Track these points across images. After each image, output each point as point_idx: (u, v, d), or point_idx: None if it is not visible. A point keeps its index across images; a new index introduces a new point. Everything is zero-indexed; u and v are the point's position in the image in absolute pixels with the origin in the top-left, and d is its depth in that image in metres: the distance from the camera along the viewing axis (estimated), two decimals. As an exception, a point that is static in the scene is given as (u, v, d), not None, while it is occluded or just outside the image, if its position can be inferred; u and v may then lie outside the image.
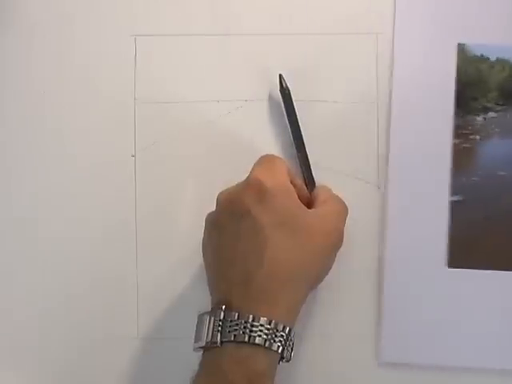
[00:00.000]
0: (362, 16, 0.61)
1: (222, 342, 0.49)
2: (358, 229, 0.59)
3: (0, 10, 0.61)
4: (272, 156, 0.56)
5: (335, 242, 0.55)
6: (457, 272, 0.59)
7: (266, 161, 0.55)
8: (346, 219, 0.56)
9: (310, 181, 0.59)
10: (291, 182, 0.54)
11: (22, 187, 0.61)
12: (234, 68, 0.61)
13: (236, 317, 0.49)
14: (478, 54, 0.60)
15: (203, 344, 0.50)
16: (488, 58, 0.60)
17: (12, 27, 0.62)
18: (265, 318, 0.49)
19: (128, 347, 0.59)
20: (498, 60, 0.60)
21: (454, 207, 0.59)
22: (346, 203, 0.57)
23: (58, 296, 0.59)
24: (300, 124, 0.59)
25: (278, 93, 0.59)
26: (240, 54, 0.61)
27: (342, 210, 0.56)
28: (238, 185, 0.53)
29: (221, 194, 0.54)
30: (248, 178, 0.53)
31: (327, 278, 0.57)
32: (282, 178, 0.53)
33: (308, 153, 0.59)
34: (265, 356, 0.49)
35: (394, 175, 0.59)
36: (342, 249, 0.56)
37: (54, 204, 0.60)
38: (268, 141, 0.60)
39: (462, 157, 0.59)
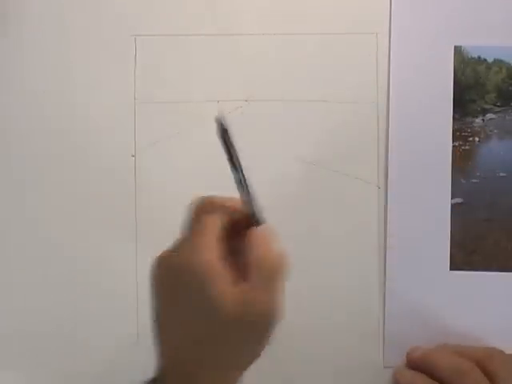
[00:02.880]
0: (362, 16, 0.61)
1: None
2: (358, 229, 0.59)
3: (0, 10, 0.61)
4: (203, 213, 0.48)
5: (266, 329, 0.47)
6: (458, 274, 0.59)
7: (193, 223, 0.48)
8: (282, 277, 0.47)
9: (254, 219, 0.50)
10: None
11: (22, 187, 0.61)
12: (234, 68, 0.61)
13: None
14: (475, 55, 0.60)
15: None
16: (485, 60, 0.60)
17: (12, 27, 0.62)
18: None
19: (128, 347, 0.59)
20: (495, 61, 0.60)
21: (455, 209, 0.59)
22: (346, 203, 0.57)
23: (58, 295, 0.59)
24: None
25: (278, 93, 0.59)
26: (240, 54, 0.61)
27: (279, 270, 0.47)
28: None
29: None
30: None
31: (329, 278, 0.56)
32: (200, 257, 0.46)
33: (307, 153, 0.59)
34: None
35: (394, 175, 0.59)
36: (342, 249, 0.56)
37: (54, 204, 0.60)
38: (268, 141, 0.60)
39: (462, 159, 0.60)
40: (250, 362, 0.48)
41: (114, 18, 0.61)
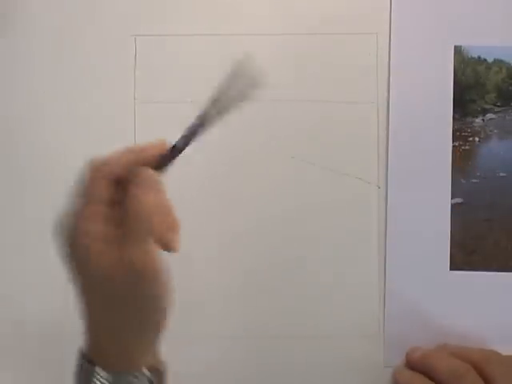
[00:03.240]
0: (362, 16, 0.61)
1: None
2: (357, 229, 0.59)
3: (0, 10, 0.61)
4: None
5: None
6: (458, 274, 0.59)
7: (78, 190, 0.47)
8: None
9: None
10: None
11: (22, 187, 0.61)
12: (234, 68, 0.61)
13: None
14: (475, 55, 0.60)
15: None
16: (485, 60, 0.60)
17: (12, 27, 0.61)
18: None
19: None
20: (495, 61, 0.60)
21: (455, 209, 0.59)
22: (346, 203, 0.57)
23: (58, 294, 0.59)
24: None
25: (278, 93, 0.59)
26: (240, 54, 0.61)
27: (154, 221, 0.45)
28: None
29: None
30: None
31: (329, 278, 0.56)
32: None
33: (306, 153, 0.59)
34: None
35: (394, 175, 0.59)
36: (342, 249, 0.56)
37: (54, 206, 0.60)
38: (267, 141, 0.60)
39: (462, 159, 0.60)
40: (155, 323, 0.48)
41: (114, 18, 0.61)
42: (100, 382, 0.47)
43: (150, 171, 0.46)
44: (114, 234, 0.45)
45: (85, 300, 0.48)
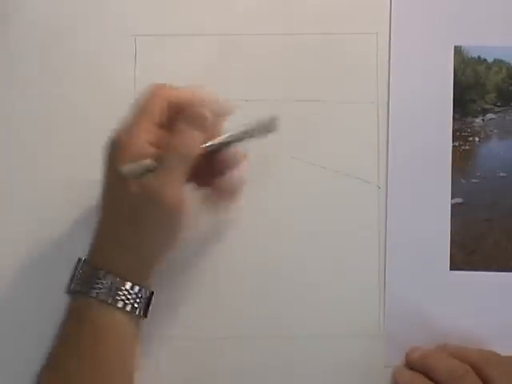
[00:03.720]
0: (362, 16, 0.61)
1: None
2: (358, 229, 0.59)
3: (0, 9, 0.61)
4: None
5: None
6: (458, 274, 0.59)
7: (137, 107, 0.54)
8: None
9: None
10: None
11: (22, 187, 0.61)
12: (234, 68, 0.61)
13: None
14: (475, 55, 0.60)
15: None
16: (485, 60, 0.60)
17: (12, 27, 0.62)
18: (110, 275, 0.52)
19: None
20: (495, 61, 0.60)
21: (455, 209, 0.59)
22: (346, 203, 0.57)
23: (59, 293, 0.59)
24: None
25: (278, 93, 0.59)
26: (240, 54, 0.61)
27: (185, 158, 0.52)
28: None
29: None
30: None
31: (328, 278, 0.56)
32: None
33: (306, 153, 0.59)
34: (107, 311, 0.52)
35: (394, 175, 0.59)
36: (342, 249, 0.56)
37: (54, 204, 0.60)
38: (267, 140, 0.60)
39: (462, 159, 0.60)
40: (162, 251, 0.54)
41: (114, 17, 0.61)
42: (103, 285, 0.52)
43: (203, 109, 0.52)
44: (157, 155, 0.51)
45: (110, 211, 0.53)
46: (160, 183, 0.50)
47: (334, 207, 0.60)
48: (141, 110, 0.52)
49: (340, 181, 0.59)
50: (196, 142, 0.52)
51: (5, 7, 0.61)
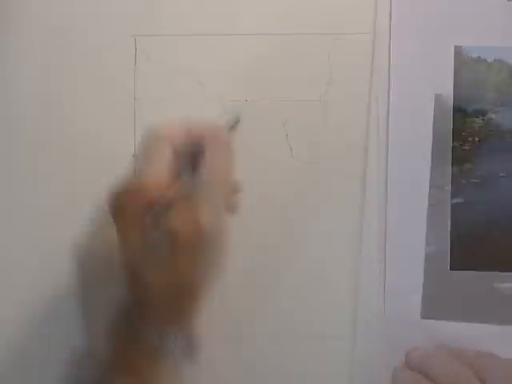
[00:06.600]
0: (362, 16, 0.61)
1: None
2: (357, 228, 0.59)
3: (0, 9, 0.62)
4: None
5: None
6: (458, 274, 0.59)
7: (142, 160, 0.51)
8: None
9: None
10: None
11: (22, 187, 0.61)
12: (234, 68, 0.61)
13: None
14: (475, 55, 0.60)
15: None
16: (485, 60, 0.60)
17: (12, 27, 0.62)
18: None
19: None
20: (496, 61, 0.60)
21: (455, 209, 0.59)
22: (346, 203, 0.57)
23: (59, 293, 0.59)
24: None
25: (278, 93, 0.59)
26: (240, 54, 0.61)
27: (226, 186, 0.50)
28: None
29: None
30: None
31: (327, 278, 0.56)
32: None
33: (306, 153, 0.59)
34: None
35: (394, 175, 0.59)
36: (341, 249, 0.56)
37: (55, 204, 0.60)
38: (267, 140, 0.60)
39: (462, 159, 0.60)
40: (201, 287, 0.49)
41: (114, 18, 0.61)
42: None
43: (224, 132, 0.51)
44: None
45: (134, 260, 0.47)
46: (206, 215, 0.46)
47: (334, 207, 0.60)
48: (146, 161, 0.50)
49: (339, 180, 0.59)
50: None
51: (5, 7, 0.62)
